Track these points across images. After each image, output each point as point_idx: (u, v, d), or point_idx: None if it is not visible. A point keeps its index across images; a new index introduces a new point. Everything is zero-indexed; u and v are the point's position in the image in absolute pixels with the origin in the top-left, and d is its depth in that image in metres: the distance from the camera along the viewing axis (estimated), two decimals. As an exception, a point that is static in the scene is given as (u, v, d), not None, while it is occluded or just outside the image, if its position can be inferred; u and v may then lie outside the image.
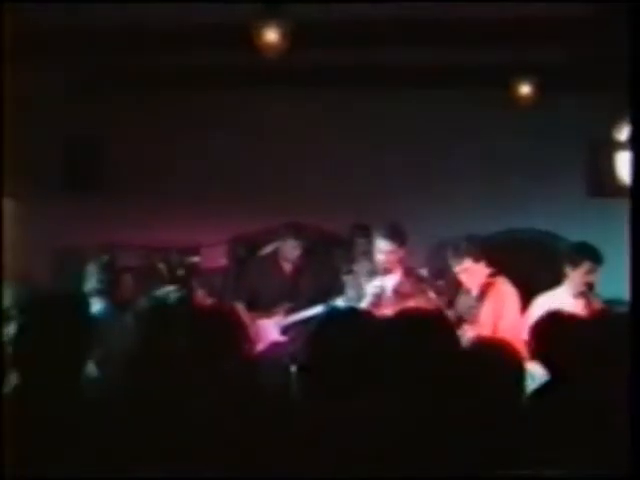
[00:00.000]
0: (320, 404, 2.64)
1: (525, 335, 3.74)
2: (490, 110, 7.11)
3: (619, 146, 6.82)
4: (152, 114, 7.54)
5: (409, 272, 5.28)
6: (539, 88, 6.37)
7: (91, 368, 3.77)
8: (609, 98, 6.00)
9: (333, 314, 3.14)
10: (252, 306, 5.95)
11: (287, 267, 6.05)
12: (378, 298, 5.10)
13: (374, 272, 5.29)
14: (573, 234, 6.34)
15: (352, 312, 3.33)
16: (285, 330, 5.85)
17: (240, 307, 5.86)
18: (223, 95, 7.35)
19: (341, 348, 2.71)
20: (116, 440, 2.54)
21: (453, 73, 6.96)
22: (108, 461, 2.49)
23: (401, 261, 5.29)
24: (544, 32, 5.72)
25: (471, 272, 5.13)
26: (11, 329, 3.30)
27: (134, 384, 3.06)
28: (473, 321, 4.97)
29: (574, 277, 5.12)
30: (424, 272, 5.29)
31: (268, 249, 6.56)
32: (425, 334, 2.78)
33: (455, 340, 3.00)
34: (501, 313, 5.04)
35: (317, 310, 5.37)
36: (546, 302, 5.14)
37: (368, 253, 5.45)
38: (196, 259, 7.49)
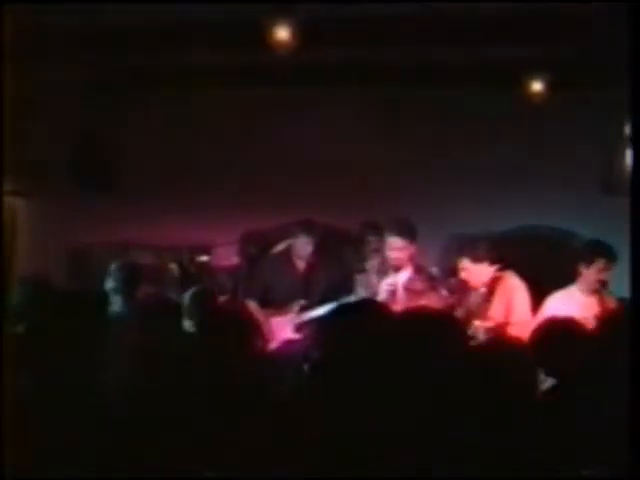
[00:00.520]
0: (333, 402, 2.64)
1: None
2: (504, 108, 7.08)
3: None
4: (166, 114, 7.57)
5: (420, 269, 5.27)
6: (553, 85, 6.34)
7: (106, 366, 3.78)
8: (624, 95, 5.95)
9: (345, 311, 3.12)
10: (265, 304, 5.95)
11: (300, 264, 6.04)
12: (390, 296, 5.09)
13: (385, 270, 5.28)
14: (587, 232, 6.31)
15: (365, 310, 3.32)
16: (298, 328, 5.84)
17: (253, 305, 5.87)
18: (234, 93, 7.36)
19: (354, 346, 2.71)
20: (126, 438, 2.54)
21: (467, 71, 6.93)
22: (122, 457, 2.50)
23: (412, 258, 5.28)
24: (559, 28, 5.69)
25: (472, 271, 5.09)
26: (25, 327, 3.32)
27: (146, 383, 3.06)
28: (484, 317, 4.94)
29: (588, 275, 5.10)
30: (435, 269, 5.28)
31: (280, 247, 6.56)
32: (435, 333, 2.78)
33: (465, 338, 2.99)
34: (511, 307, 5.02)
35: (330, 308, 5.36)
36: (559, 300, 5.13)
37: (379, 251, 5.44)
38: (208, 258, 7.50)
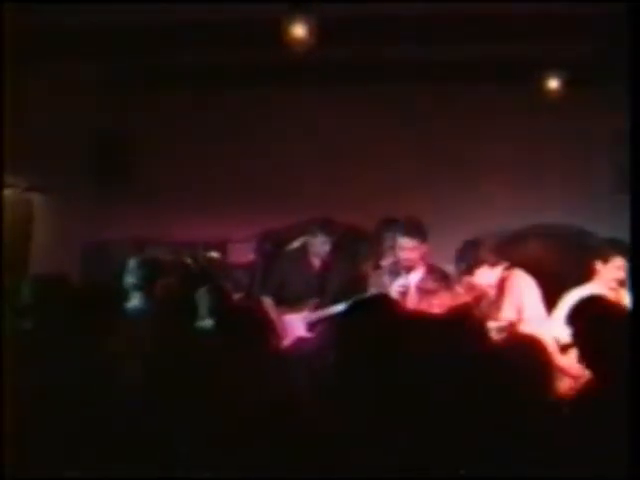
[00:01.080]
0: (346, 402, 2.64)
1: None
2: (519, 106, 7.06)
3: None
4: (183, 112, 7.60)
5: (432, 269, 5.24)
6: (570, 83, 6.31)
7: (122, 362, 3.79)
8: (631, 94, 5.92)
9: (359, 309, 3.12)
10: (280, 301, 5.95)
11: (316, 262, 6.03)
12: (403, 296, 5.07)
13: (397, 270, 5.26)
14: (602, 230, 6.28)
15: (378, 306, 3.31)
16: (312, 326, 5.84)
17: (268, 302, 5.87)
18: (252, 92, 7.37)
19: (368, 344, 2.70)
20: (140, 432, 2.55)
21: (483, 69, 6.92)
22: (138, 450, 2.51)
23: (423, 257, 5.25)
24: (573, 27, 5.67)
25: (480, 272, 5.06)
26: (40, 323, 3.34)
27: (161, 378, 3.07)
28: (498, 317, 4.92)
29: (605, 273, 5.06)
30: (450, 268, 5.25)
31: (296, 244, 6.55)
32: (451, 331, 2.77)
33: (481, 337, 2.98)
34: (522, 304, 5.00)
35: (345, 306, 5.34)
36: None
37: (394, 248, 5.42)
38: (224, 255, 7.52)
